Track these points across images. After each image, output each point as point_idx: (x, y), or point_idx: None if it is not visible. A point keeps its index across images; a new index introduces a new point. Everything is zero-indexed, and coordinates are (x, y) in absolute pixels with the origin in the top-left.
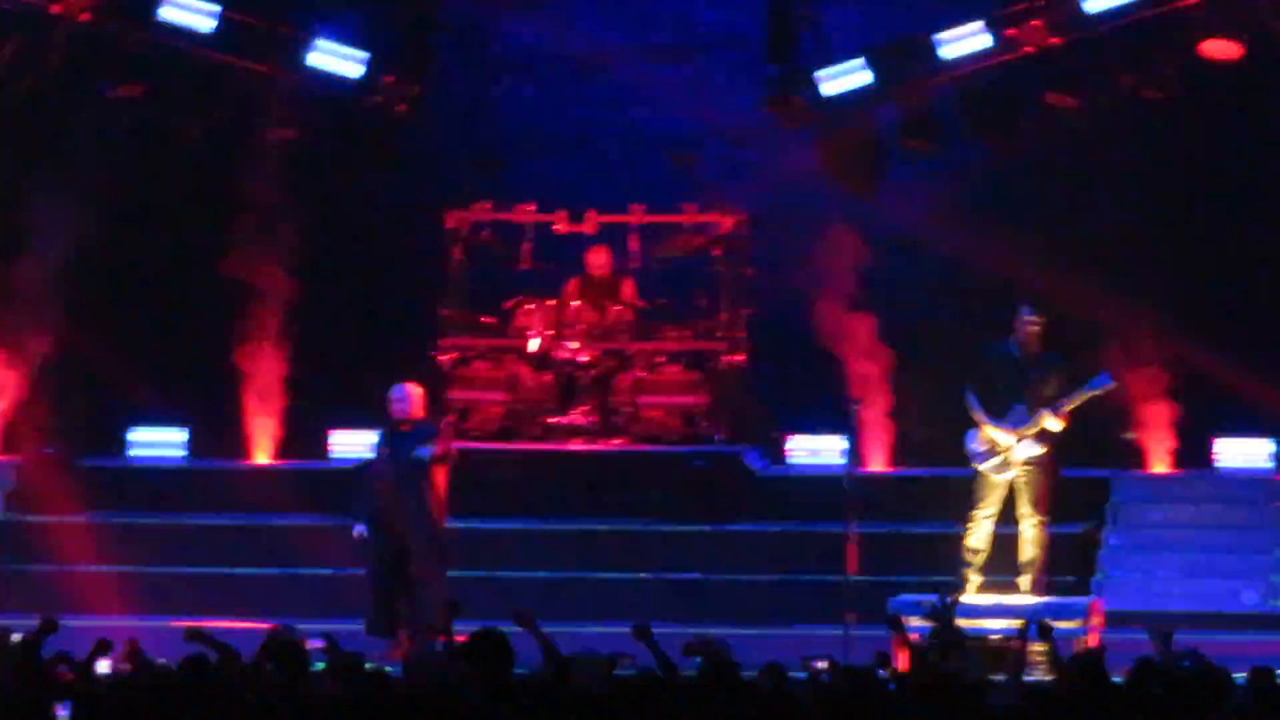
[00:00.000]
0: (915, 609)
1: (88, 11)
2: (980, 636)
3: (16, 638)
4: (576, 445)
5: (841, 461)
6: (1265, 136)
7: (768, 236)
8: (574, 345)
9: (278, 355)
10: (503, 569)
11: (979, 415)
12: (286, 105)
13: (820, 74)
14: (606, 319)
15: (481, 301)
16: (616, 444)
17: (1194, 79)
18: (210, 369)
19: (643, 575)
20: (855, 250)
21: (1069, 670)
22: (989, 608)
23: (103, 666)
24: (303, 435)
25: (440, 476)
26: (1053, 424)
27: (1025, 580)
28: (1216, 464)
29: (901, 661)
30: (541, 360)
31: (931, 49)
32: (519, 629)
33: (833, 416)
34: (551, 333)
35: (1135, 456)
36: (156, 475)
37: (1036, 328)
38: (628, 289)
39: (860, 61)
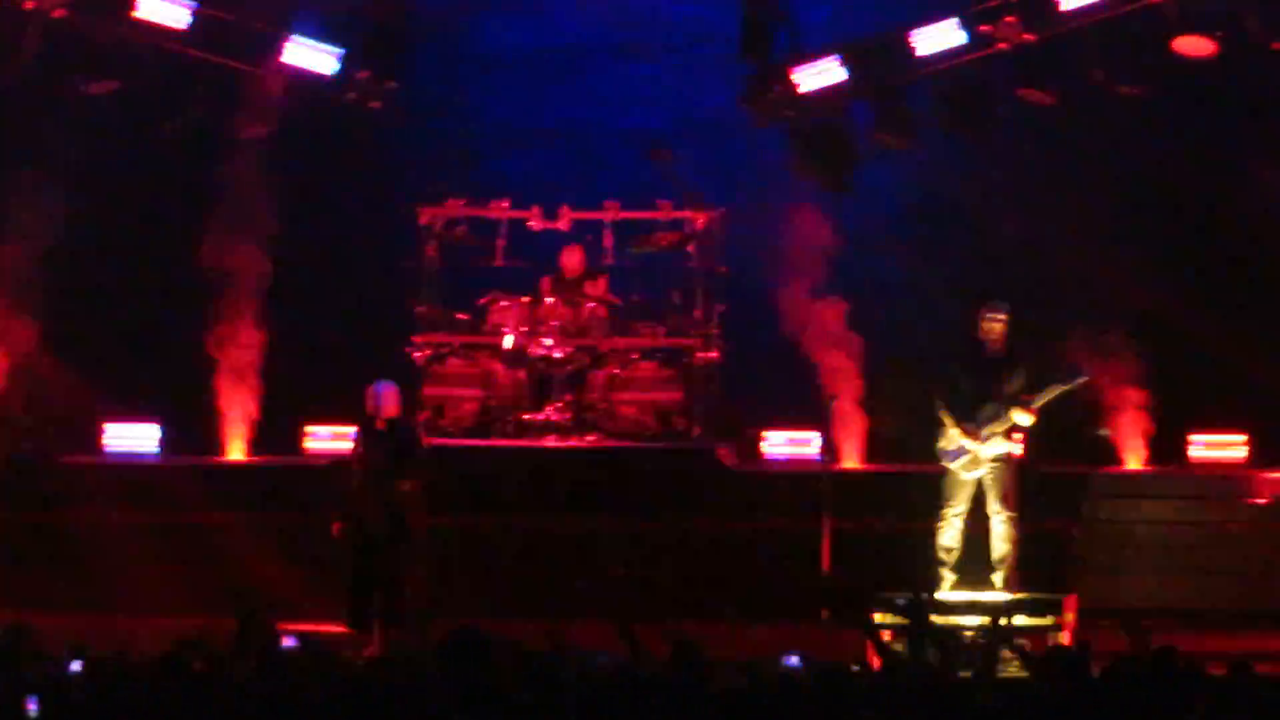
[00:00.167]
0: (889, 606)
1: (62, 7)
2: (954, 633)
3: None
4: (551, 442)
5: (816, 456)
6: (1238, 132)
7: (742, 233)
8: (548, 342)
9: (252, 350)
10: (477, 565)
11: (946, 416)
12: (261, 101)
13: (795, 71)
14: (580, 316)
15: (456, 298)
16: (590, 440)
17: (1168, 75)
18: (184, 364)
19: (619, 570)
20: (826, 239)
21: (1050, 668)
22: (963, 605)
23: (75, 665)
24: (277, 431)
25: (417, 477)
26: (1022, 419)
27: (999, 577)
28: (1190, 460)
29: (875, 658)
30: (516, 357)
31: (906, 45)
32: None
33: (808, 412)
34: (526, 329)
35: (1109, 453)
36: (131, 471)
37: (1001, 324)
38: (600, 287)
39: (835, 58)
